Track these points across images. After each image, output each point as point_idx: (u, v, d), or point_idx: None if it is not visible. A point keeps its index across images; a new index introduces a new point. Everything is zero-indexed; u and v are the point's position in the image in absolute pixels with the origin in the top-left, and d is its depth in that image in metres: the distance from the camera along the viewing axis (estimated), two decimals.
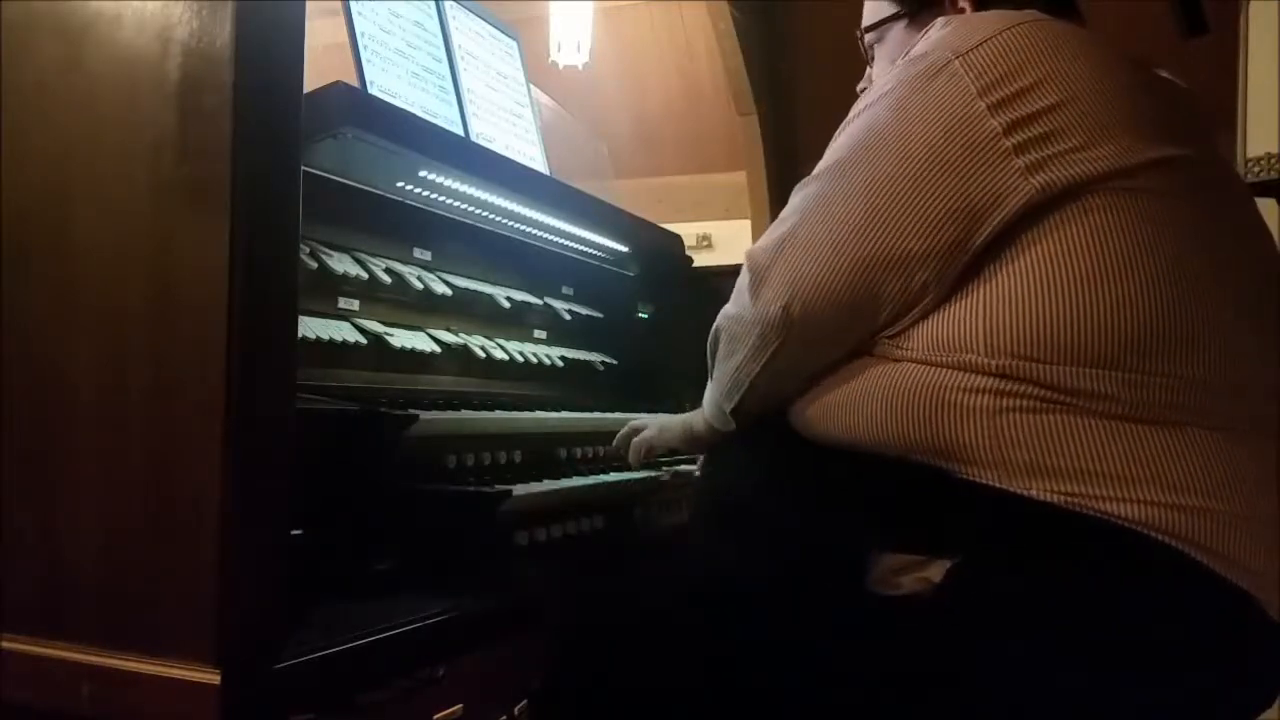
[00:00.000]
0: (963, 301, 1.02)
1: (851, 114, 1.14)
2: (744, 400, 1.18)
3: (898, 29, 1.32)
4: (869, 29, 1.36)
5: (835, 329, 1.08)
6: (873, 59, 1.38)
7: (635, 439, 1.55)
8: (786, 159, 4.41)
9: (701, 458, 1.41)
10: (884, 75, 1.31)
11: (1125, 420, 0.97)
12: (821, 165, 1.13)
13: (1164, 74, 1.18)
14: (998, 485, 0.98)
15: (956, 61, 1.04)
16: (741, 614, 1.06)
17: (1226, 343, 1.00)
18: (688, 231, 2.55)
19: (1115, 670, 0.95)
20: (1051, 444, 0.97)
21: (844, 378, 1.09)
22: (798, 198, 1.13)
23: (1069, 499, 0.96)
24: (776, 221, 1.13)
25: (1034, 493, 0.96)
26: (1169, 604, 0.95)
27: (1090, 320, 0.97)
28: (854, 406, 1.07)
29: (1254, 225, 1.15)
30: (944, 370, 1.01)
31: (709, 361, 1.24)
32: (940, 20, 1.12)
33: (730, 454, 1.26)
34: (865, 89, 1.37)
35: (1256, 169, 2.36)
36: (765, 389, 1.15)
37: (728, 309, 1.18)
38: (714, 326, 1.21)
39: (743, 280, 1.14)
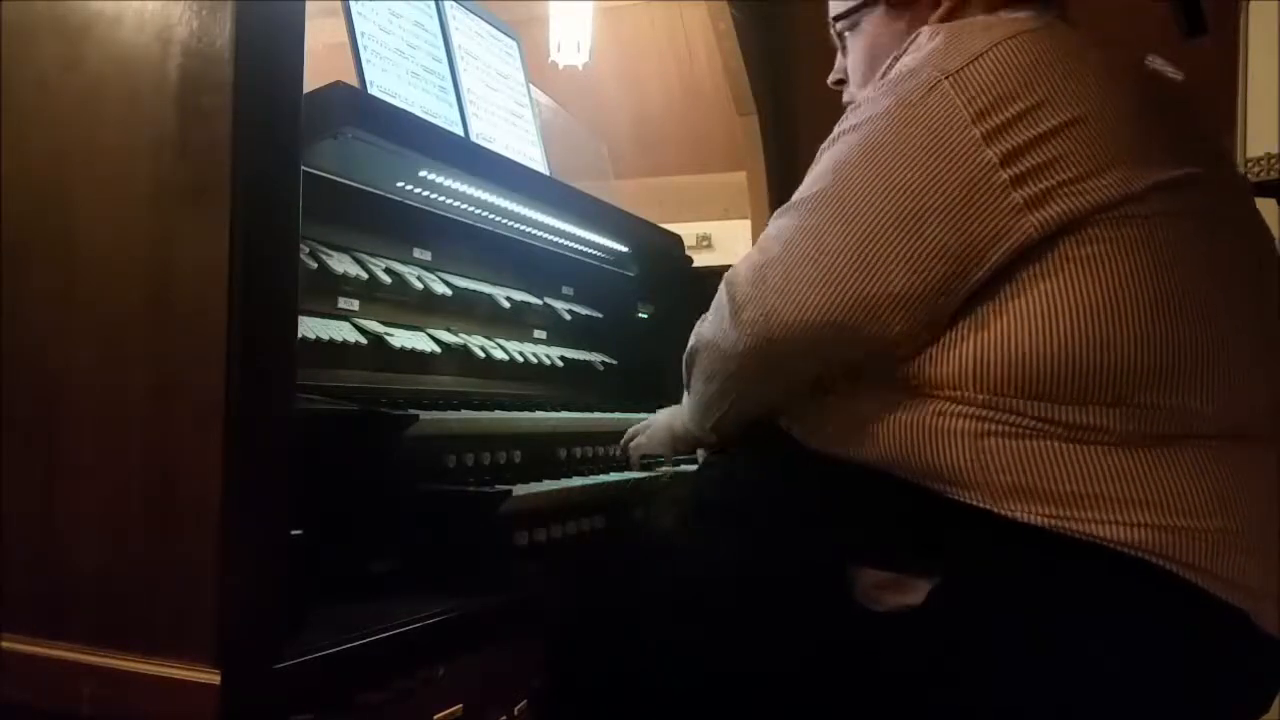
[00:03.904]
0: (956, 343, 0.99)
1: (836, 132, 1.09)
2: (721, 421, 1.18)
3: (875, 16, 1.24)
4: (841, 16, 1.28)
5: (813, 363, 1.06)
6: (845, 50, 1.31)
7: (631, 445, 1.55)
8: (786, 159, 4.40)
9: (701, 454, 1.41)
10: (859, 67, 1.26)
11: (1111, 445, 0.95)
12: (805, 192, 1.07)
13: (1159, 66, 1.14)
14: (984, 506, 0.97)
15: (946, 82, 0.99)
16: (729, 617, 1.05)
17: (1225, 369, 0.98)
18: (688, 231, 2.55)
19: (1107, 691, 0.94)
20: (1036, 467, 0.95)
21: (835, 399, 1.07)
22: (780, 223, 1.08)
23: (1055, 522, 0.94)
24: (758, 247, 1.09)
25: (1019, 515, 0.95)
26: (1162, 625, 0.94)
27: (1080, 360, 0.95)
28: (843, 427, 1.06)
29: (1262, 238, 1.12)
30: (929, 399, 1.00)
31: (684, 374, 1.22)
32: (927, 31, 1.07)
33: (727, 456, 1.26)
34: (850, 104, 1.32)
35: (1256, 169, 2.36)
36: (741, 410, 1.15)
37: (705, 331, 1.14)
38: (691, 345, 1.19)
39: (721, 302, 1.10)
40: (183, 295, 0.93)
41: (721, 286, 1.11)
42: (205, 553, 0.90)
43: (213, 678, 0.89)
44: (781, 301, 1.03)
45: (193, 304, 0.92)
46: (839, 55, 1.34)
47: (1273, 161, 2.34)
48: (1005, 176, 0.96)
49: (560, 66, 4.41)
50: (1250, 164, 2.38)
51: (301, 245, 1.12)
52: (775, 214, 1.10)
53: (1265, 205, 2.41)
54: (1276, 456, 1.02)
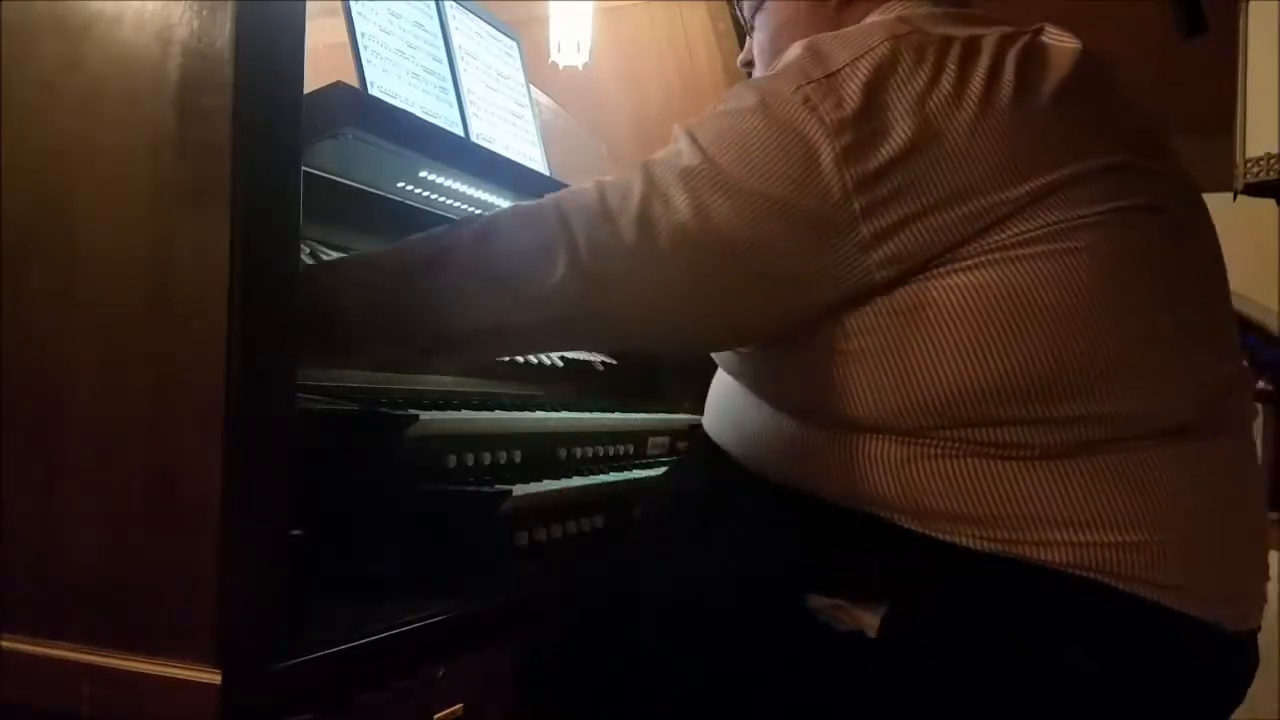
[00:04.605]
0: (867, 381, 0.97)
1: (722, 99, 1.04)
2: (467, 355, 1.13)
3: None
4: None
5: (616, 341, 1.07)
6: (752, 29, 1.27)
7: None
8: None
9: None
10: (765, 49, 1.23)
11: (1038, 460, 0.92)
12: (688, 155, 0.98)
13: (1055, 40, 1.02)
14: (921, 531, 0.95)
15: (808, 88, 0.95)
16: (695, 620, 1.04)
17: (1157, 365, 0.96)
18: None
19: (1085, 697, 0.92)
20: (960, 492, 0.93)
21: (762, 431, 1.07)
22: (668, 173, 0.99)
23: (993, 545, 0.93)
24: (648, 173, 0.99)
25: (957, 539, 0.94)
26: (1136, 630, 0.93)
27: (979, 389, 0.93)
28: (778, 459, 1.06)
29: (1201, 219, 1.07)
30: (849, 431, 0.98)
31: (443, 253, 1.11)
32: (796, 45, 1.01)
33: (688, 459, 1.25)
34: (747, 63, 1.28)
35: (1256, 169, 2.36)
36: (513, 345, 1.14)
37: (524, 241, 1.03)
38: (512, 221, 1.08)
39: (588, 214, 1.00)
40: (183, 295, 0.92)
41: (605, 191, 1.01)
42: (205, 553, 0.90)
43: (213, 678, 0.89)
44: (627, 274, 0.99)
45: (193, 304, 0.92)
46: (748, 37, 1.31)
47: (1272, 161, 2.34)
48: (857, 207, 0.93)
49: (560, 66, 4.41)
50: (1250, 164, 2.38)
51: (301, 245, 1.12)
52: (664, 161, 1.01)
53: (1265, 205, 2.41)
54: (1220, 448, 0.99)
